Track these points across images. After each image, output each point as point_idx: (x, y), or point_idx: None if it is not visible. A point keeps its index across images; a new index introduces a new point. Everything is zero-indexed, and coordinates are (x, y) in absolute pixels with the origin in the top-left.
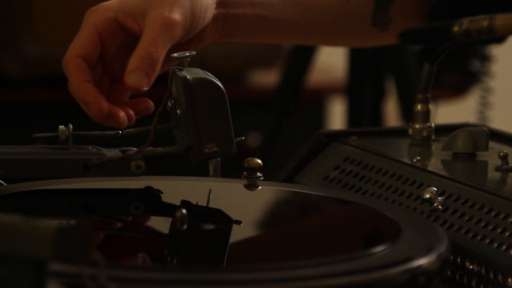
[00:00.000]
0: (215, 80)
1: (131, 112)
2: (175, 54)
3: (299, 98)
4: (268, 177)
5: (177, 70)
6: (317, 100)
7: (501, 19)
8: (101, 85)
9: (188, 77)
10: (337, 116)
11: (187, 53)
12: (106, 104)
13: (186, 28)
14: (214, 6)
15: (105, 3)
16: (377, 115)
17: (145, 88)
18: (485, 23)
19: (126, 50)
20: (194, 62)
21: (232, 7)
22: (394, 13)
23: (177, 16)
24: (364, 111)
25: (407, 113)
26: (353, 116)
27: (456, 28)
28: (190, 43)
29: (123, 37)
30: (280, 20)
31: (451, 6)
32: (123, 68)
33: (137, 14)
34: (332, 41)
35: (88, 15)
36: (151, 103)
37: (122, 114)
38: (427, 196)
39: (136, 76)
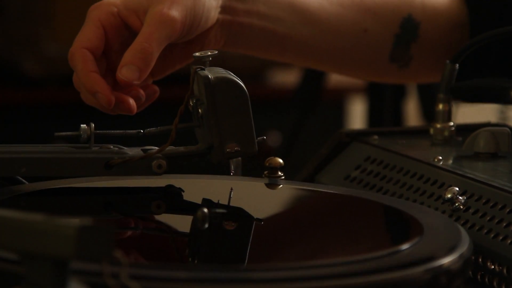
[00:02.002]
0: (237, 80)
1: (141, 91)
2: (196, 54)
3: (319, 98)
4: (289, 177)
5: (199, 69)
6: (337, 99)
7: None
8: (106, 81)
9: (210, 76)
10: (357, 115)
11: (209, 52)
12: (114, 92)
13: (186, 27)
14: (219, 9)
15: None
16: (398, 115)
17: (136, 82)
18: None
19: (128, 46)
20: (215, 61)
21: (239, 15)
22: (416, 51)
23: (175, 13)
24: (384, 111)
25: (428, 113)
26: (373, 116)
27: None
28: (193, 45)
29: (126, 34)
30: (290, 37)
31: (481, 51)
32: None
33: (140, 10)
34: (347, 71)
35: (92, 9)
36: (156, 87)
37: (131, 100)
38: (449, 195)
39: (128, 70)
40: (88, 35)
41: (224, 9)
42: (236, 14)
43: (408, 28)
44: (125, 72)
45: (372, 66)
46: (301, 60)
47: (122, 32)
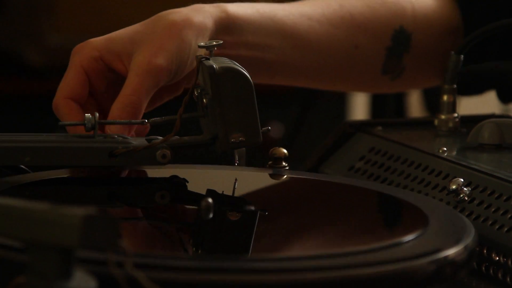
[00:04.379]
0: (242, 69)
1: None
2: (201, 43)
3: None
4: (291, 168)
5: (204, 59)
6: (339, 90)
7: None
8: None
9: (214, 66)
10: (359, 107)
11: (214, 42)
12: None
13: (172, 72)
14: None
15: (92, 40)
16: (400, 106)
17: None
18: None
19: (114, 86)
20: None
21: (226, 48)
22: (408, 62)
23: (162, 61)
24: (387, 102)
25: (431, 104)
26: (376, 107)
27: None
28: (180, 83)
29: (110, 76)
30: (279, 62)
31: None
32: (112, 101)
33: (123, 54)
34: (338, 86)
35: (75, 52)
36: (148, 123)
37: None
38: (454, 187)
39: (118, 125)
40: (70, 84)
41: None
42: (223, 47)
43: (400, 40)
44: (114, 128)
45: (364, 80)
46: (291, 81)
47: (106, 74)
